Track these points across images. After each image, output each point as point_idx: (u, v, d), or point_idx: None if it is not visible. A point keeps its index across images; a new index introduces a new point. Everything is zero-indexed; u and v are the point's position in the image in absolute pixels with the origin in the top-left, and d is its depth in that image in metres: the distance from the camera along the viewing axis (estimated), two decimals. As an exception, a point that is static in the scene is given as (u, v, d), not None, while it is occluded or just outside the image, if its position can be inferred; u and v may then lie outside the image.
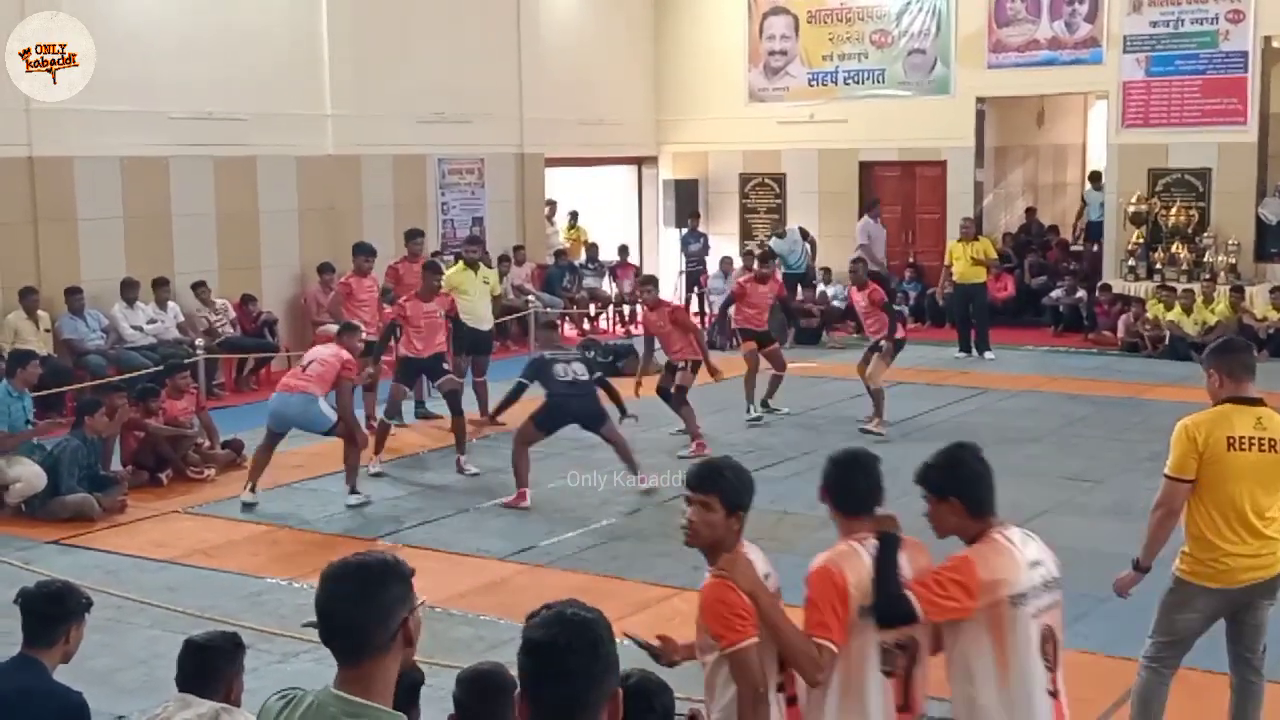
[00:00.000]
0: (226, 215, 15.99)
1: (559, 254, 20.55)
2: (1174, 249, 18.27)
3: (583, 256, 21.22)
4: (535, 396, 10.60)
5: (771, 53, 21.29)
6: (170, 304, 15.02)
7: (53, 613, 4.65)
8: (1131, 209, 18.50)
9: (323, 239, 16.67)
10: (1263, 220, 18.12)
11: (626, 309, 20.59)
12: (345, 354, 10.59)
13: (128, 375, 13.08)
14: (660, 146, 22.40)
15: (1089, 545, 8.97)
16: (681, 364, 12.10)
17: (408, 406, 13.36)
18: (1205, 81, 18.12)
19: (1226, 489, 5.31)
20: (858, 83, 20.62)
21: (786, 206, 21.20)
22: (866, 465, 4.17)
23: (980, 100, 19.96)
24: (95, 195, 14.65)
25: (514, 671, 2.72)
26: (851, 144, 20.58)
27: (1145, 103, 18.55)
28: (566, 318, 20.19)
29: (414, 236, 14.34)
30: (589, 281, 20.67)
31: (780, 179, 21.50)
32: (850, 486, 4.13)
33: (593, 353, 16.58)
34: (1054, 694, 4.08)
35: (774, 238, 19.66)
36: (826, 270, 20.08)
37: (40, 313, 13.78)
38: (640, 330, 15.74)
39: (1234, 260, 17.92)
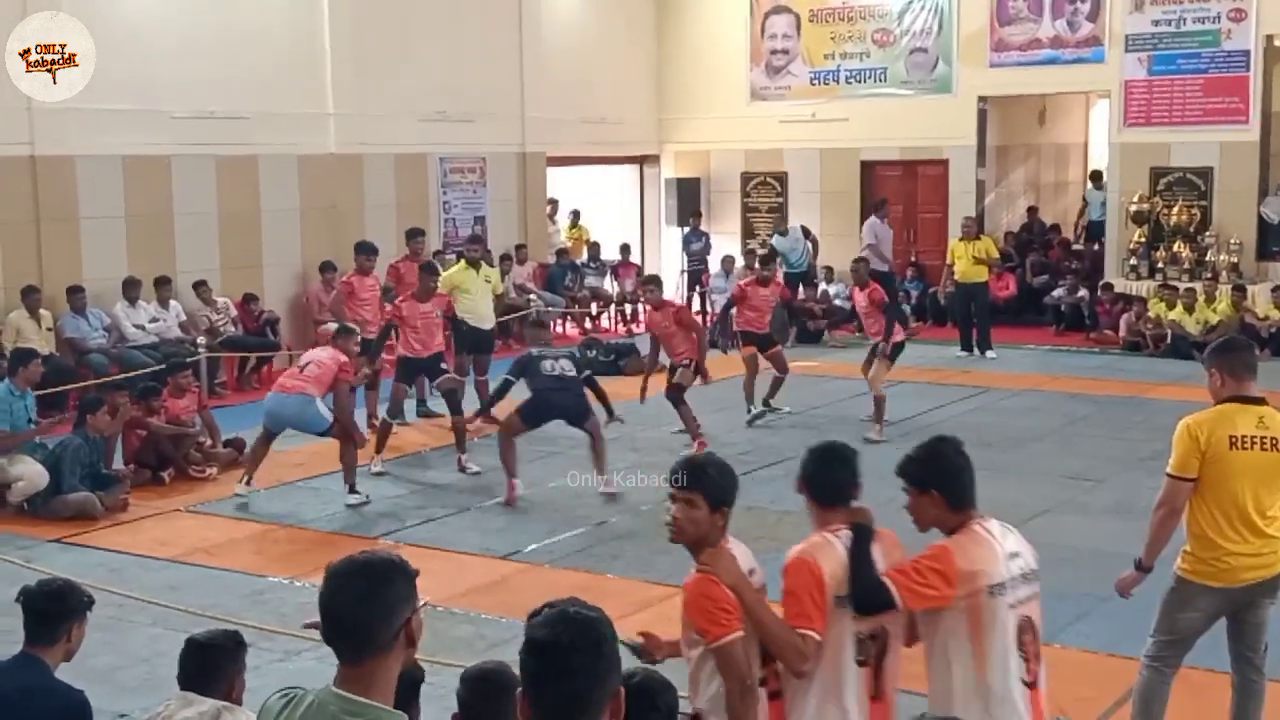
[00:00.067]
0: (228, 214, 16.00)
1: (561, 253, 20.55)
2: (1176, 248, 18.27)
3: (584, 255, 21.22)
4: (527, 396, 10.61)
5: (773, 51, 21.29)
6: (172, 303, 15.03)
7: (54, 611, 4.65)
8: (1133, 208, 18.50)
9: (324, 238, 16.67)
10: (1264, 219, 18.12)
11: (628, 308, 20.58)
12: (342, 357, 10.60)
13: (130, 374, 13.09)
14: (662, 145, 22.40)
15: (1090, 544, 8.99)
16: (684, 363, 12.10)
17: (409, 405, 13.36)
18: (1207, 80, 18.11)
19: (1228, 488, 5.31)
20: (859, 81, 20.62)
21: (788, 205, 21.20)
22: (844, 458, 4.23)
23: (982, 99, 19.96)
24: (97, 194, 14.66)
25: (517, 670, 2.72)
26: (853, 143, 20.58)
27: (1147, 102, 18.54)
28: (568, 317, 20.23)
29: (415, 235, 14.35)
30: (591, 280, 20.67)
31: (782, 178, 21.50)
32: (828, 478, 4.19)
33: (594, 352, 16.66)
34: (1031, 684, 4.12)
35: (776, 235, 19.67)
36: (829, 269, 20.08)
37: (42, 311, 13.79)
38: (642, 329, 15.77)
39: (1236, 259, 17.92)
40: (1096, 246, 20.09)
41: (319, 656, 6.32)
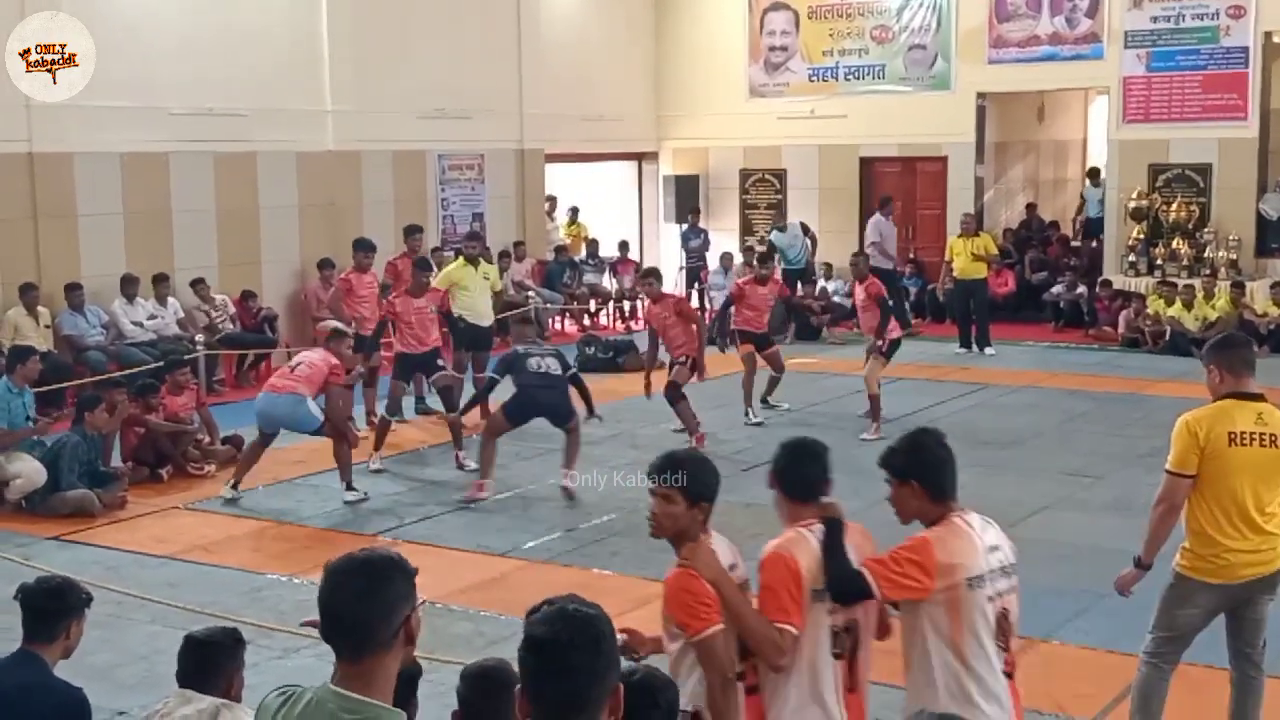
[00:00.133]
0: (227, 211, 15.99)
1: (559, 250, 20.55)
2: (1175, 244, 18.27)
3: (583, 252, 21.21)
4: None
5: (772, 48, 21.28)
6: (170, 300, 15.02)
7: (53, 608, 4.65)
8: (1132, 204, 18.50)
9: (323, 235, 16.67)
10: (1263, 215, 18.12)
11: (627, 305, 20.58)
12: (333, 359, 10.57)
13: (128, 371, 13.08)
14: (660, 142, 22.40)
15: (1089, 541, 9.00)
16: (681, 359, 12.08)
17: (408, 402, 13.36)
18: (1206, 77, 18.11)
19: (1227, 484, 5.31)
20: (858, 78, 20.61)
21: (787, 202, 21.19)
22: (816, 453, 4.26)
23: (981, 96, 19.95)
24: (95, 191, 14.64)
25: (516, 667, 2.72)
26: (852, 140, 20.58)
27: (1146, 98, 18.55)
28: (567, 314, 20.22)
29: (413, 233, 14.35)
30: (589, 277, 20.67)
31: (781, 175, 21.50)
32: (800, 473, 4.21)
33: (593, 349, 16.67)
34: (1009, 675, 4.15)
35: (775, 231, 19.67)
36: (828, 266, 20.08)
37: (40, 309, 13.77)
38: (640, 326, 15.75)
39: (1234, 256, 17.92)
40: (1094, 243, 20.09)
41: (318, 654, 6.32)
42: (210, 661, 4.45)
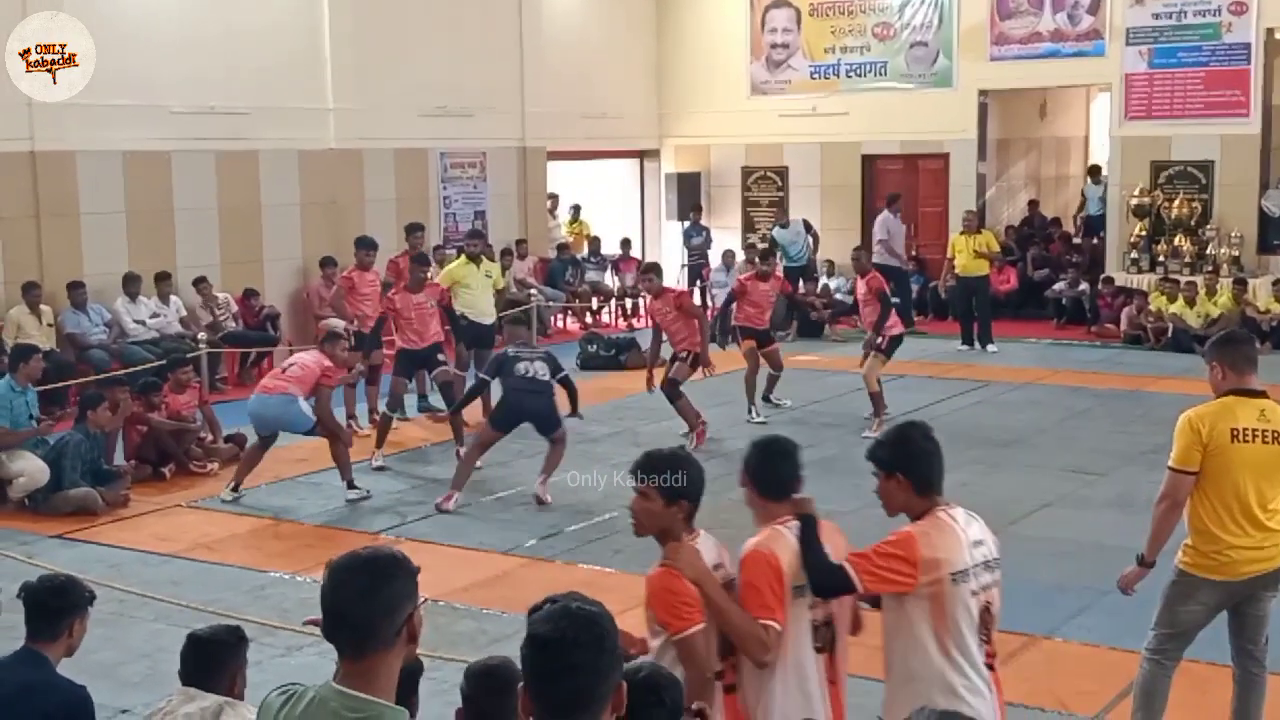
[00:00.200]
0: (228, 209, 15.99)
1: (561, 248, 20.55)
2: (1177, 241, 18.26)
3: (585, 250, 21.21)
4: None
5: (773, 45, 21.28)
6: (172, 298, 15.02)
7: (56, 606, 4.66)
8: (1134, 201, 18.49)
9: (325, 233, 16.67)
10: (1266, 212, 18.11)
11: (629, 303, 20.58)
12: (326, 361, 10.55)
13: (130, 370, 13.08)
14: (662, 140, 22.39)
15: (1092, 538, 9.00)
16: (682, 355, 12.05)
17: (410, 400, 13.37)
18: (1208, 74, 18.10)
19: (1230, 481, 5.31)
20: (860, 75, 20.60)
21: (789, 200, 21.17)
22: (788, 450, 4.30)
23: (983, 93, 19.94)
24: (97, 190, 14.65)
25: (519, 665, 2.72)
26: (854, 137, 20.57)
27: (1148, 95, 18.53)
28: (569, 311, 20.22)
29: (414, 230, 14.35)
30: (591, 275, 20.67)
31: (782, 172, 21.50)
32: (773, 472, 4.25)
33: (595, 346, 16.67)
34: (990, 667, 4.19)
35: (777, 227, 19.66)
36: (830, 263, 20.07)
37: (43, 307, 13.78)
38: (642, 324, 15.76)
39: (1237, 253, 17.91)
40: (1095, 240, 20.08)
41: (320, 651, 6.33)
42: (213, 659, 4.46)
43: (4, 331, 13.41)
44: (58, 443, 10.43)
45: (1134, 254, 18.56)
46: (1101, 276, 18.73)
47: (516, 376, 10.21)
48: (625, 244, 21.38)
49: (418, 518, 9.99)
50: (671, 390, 11.99)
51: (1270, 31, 17.81)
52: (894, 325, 12.80)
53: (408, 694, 3.61)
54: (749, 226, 21.74)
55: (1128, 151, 18.79)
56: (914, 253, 20.54)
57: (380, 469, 11.31)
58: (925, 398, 13.87)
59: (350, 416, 12.89)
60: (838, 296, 19.28)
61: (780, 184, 21.54)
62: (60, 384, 12.75)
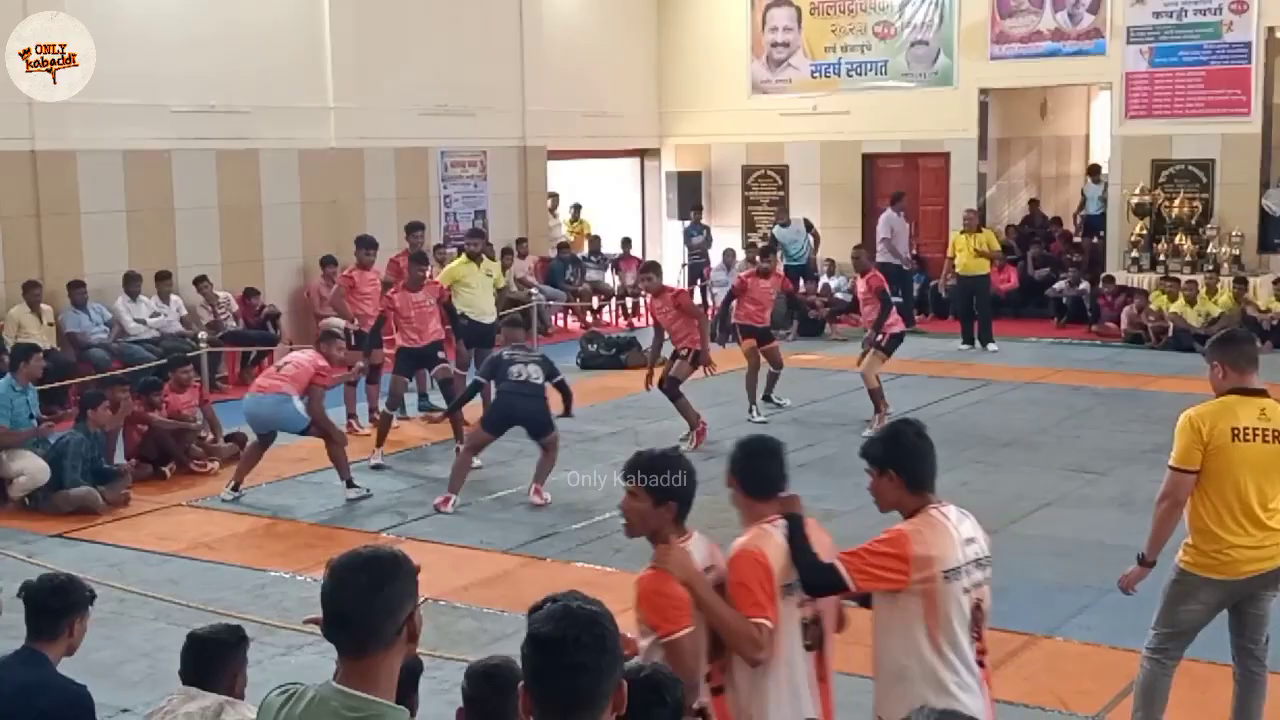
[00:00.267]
0: (229, 208, 15.99)
1: (562, 247, 20.54)
2: (1177, 240, 18.25)
3: (585, 249, 21.21)
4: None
5: (774, 44, 21.27)
6: (173, 297, 15.02)
7: (56, 606, 4.66)
8: (1135, 200, 18.48)
9: (325, 232, 16.67)
10: (1267, 211, 18.10)
11: (629, 302, 20.57)
12: (321, 361, 10.53)
13: (131, 369, 13.08)
14: (663, 139, 22.39)
15: (1092, 537, 9.00)
16: (683, 352, 12.03)
17: (411, 399, 13.37)
18: (1208, 72, 18.09)
19: (1231, 480, 5.31)
20: (860, 74, 20.59)
21: (789, 199, 21.17)
22: (774, 451, 4.31)
23: (983, 92, 19.93)
24: (98, 189, 14.65)
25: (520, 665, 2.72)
26: (854, 136, 20.56)
27: (1148, 94, 18.53)
28: (570, 310, 20.22)
29: (414, 229, 14.35)
30: (592, 274, 20.66)
31: (783, 171, 21.49)
32: (759, 471, 4.26)
33: (595, 345, 16.66)
34: (981, 664, 4.21)
35: (778, 226, 19.66)
36: (830, 262, 20.06)
37: (44, 306, 13.79)
38: (643, 323, 15.75)
39: (1237, 252, 17.91)
40: (1095, 240, 20.08)
41: (320, 651, 6.33)
42: (213, 659, 4.46)
43: (4, 330, 13.41)
44: (58, 442, 10.44)
45: (1135, 253, 18.55)
46: (1102, 275, 18.73)
47: (510, 379, 10.20)
48: (626, 243, 21.37)
49: (418, 517, 9.99)
50: (671, 388, 11.97)
51: (1271, 30, 17.80)
52: (894, 323, 12.76)
53: (407, 692, 3.61)
54: (749, 225, 21.73)
55: (1128, 150, 18.78)
56: (914, 251, 20.53)
57: (378, 467, 11.31)
58: (926, 397, 13.87)
59: (351, 415, 12.90)
60: (838, 295, 19.27)
61: (781, 183, 21.53)
62: (61, 383, 12.75)
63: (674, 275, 20.78)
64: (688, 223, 21.18)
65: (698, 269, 20.74)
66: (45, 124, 13.94)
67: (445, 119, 18.28)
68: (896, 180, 20.54)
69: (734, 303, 13.43)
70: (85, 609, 4.74)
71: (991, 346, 17.17)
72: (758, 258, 14.10)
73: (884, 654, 4.18)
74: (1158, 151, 18.55)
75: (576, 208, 22.05)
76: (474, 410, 11.73)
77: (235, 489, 10.50)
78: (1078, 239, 20.79)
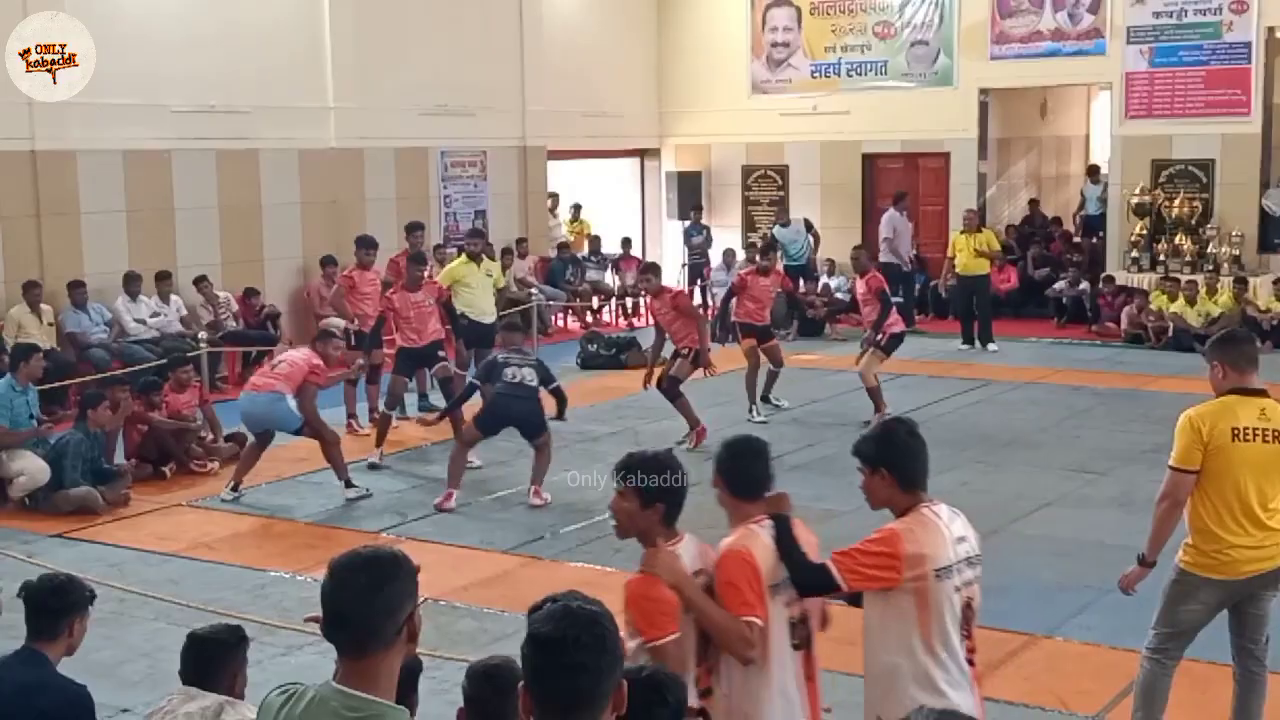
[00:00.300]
0: (229, 208, 15.99)
1: (562, 247, 20.55)
2: (1177, 240, 18.26)
3: (585, 249, 21.21)
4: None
5: (774, 44, 21.27)
6: (173, 297, 15.02)
7: (56, 606, 4.65)
8: (1135, 200, 18.48)
9: (325, 232, 16.67)
10: (1267, 211, 18.10)
11: (629, 302, 20.57)
12: (316, 359, 10.52)
13: (131, 369, 13.09)
14: (663, 139, 22.39)
15: (1092, 537, 8.99)
16: (684, 352, 12.01)
17: (411, 399, 13.36)
18: (1208, 72, 18.09)
19: (1231, 480, 5.31)
20: (860, 74, 20.60)
21: (789, 199, 21.17)
22: (760, 451, 4.32)
23: (983, 92, 19.93)
24: (98, 189, 14.65)
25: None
26: (854, 136, 20.56)
27: (1148, 94, 18.53)
28: (570, 310, 20.21)
29: (414, 229, 14.35)
30: (592, 274, 20.66)
31: (783, 171, 21.49)
32: (745, 472, 4.27)
33: (595, 345, 16.66)
34: (971, 663, 4.22)
35: (778, 226, 19.66)
36: (830, 262, 20.06)
37: (44, 306, 13.78)
38: (643, 323, 15.76)
39: (1237, 252, 17.91)
40: (1094, 240, 20.09)
41: (320, 651, 6.33)
42: (213, 659, 4.46)
43: (4, 330, 13.42)
44: (58, 442, 10.43)
45: (1134, 253, 18.55)
46: (1102, 275, 18.73)
47: (503, 381, 10.21)
48: (626, 243, 21.38)
49: (418, 517, 9.99)
50: (671, 387, 11.94)
51: (1271, 30, 17.80)
52: (894, 323, 12.76)
53: (407, 692, 3.61)
54: (749, 225, 21.73)
55: (1128, 150, 18.78)
56: (914, 251, 20.52)
57: (374, 467, 11.30)
58: (926, 397, 13.87)
59: (351, 416, 12.90)
60: (838, 295, 19.27)
61: (781, 183, 21.53)
62: (61, 383, 12.75)
63: (674, 275, 20.79)
64: (688, 223, 21.19)
65: (698, 269, 20.74)
66: (45, 124, 13.94)
67: (445, 119, 18.28)
68: (896, 180, 20.54)
69: (733, 301, 13.42)
70: (85, 609, 4.74)
71: (991, 346, 17.18)
72: (758, 256, 14.07)
73: (875, 653, 4.19)
74: (1158, 151, 18.55)
75: (576, 208, 22.05)
76: (472, 409, 11.74)
77: (235, 489, 10.50)
78: (1077, 239, 20.79)
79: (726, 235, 21.26)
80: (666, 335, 12.27)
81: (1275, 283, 17.27)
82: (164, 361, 13.06)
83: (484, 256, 13.93)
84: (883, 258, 18.47)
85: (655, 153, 22.53)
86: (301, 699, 2.84)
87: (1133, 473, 10.47)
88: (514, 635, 6.75)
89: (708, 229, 21.18)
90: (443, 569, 8.36)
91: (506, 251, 18.48)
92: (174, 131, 15.19)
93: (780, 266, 16.94)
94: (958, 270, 17.43)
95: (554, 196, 21.19)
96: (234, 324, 15.53)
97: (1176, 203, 18.33)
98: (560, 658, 2.57)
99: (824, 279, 19.82)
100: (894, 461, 4.20)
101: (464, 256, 13.57)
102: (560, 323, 20.08)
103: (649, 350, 12.89)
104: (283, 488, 10.85)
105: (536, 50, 19.68)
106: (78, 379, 13.05)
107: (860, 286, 13.09)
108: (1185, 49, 18.19)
